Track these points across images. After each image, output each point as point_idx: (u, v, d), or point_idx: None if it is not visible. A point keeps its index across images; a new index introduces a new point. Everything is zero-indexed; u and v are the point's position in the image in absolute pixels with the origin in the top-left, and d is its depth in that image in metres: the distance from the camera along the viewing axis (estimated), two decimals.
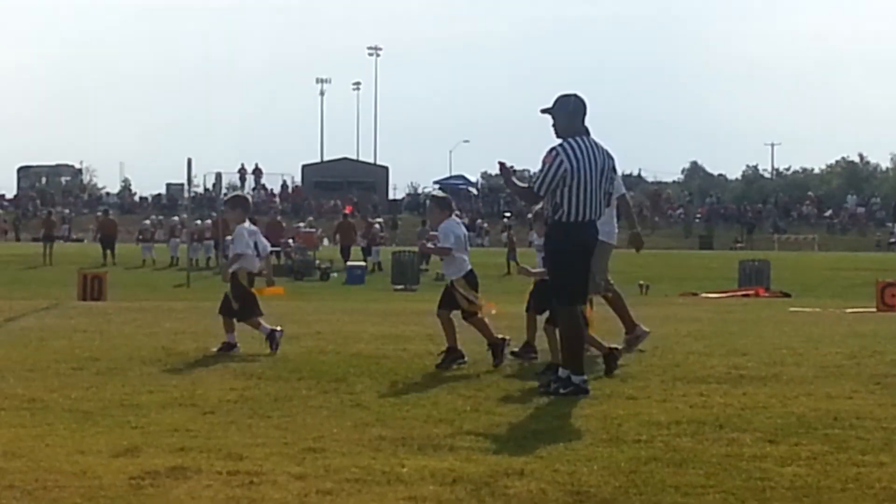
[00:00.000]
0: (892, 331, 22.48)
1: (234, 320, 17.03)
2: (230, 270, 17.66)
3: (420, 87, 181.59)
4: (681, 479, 9.39)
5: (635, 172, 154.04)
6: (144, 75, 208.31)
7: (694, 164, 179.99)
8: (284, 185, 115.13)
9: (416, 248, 57.17)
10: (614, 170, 14.08)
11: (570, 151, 13.49)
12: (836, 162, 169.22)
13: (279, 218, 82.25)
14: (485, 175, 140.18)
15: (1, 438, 10.55)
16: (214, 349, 16.66)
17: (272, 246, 57.97)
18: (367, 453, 10.21)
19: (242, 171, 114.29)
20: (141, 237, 73.32)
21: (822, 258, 79.16)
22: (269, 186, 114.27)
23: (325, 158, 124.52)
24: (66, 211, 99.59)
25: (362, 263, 59.49)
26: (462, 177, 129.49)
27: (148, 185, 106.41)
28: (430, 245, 17.37)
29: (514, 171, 16.56)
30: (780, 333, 20.48)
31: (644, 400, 13.02)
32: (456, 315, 15.75)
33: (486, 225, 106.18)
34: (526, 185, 14.55)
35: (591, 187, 13.52)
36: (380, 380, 14.33)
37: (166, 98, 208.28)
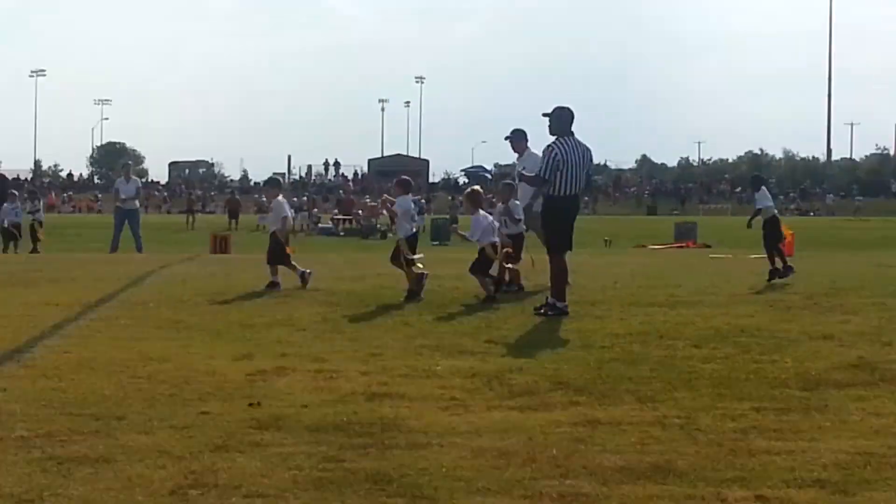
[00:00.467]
0: (803, 265, 22.49)
1: (277, 266, 16.78)
2: (273, 230, 17.37)
3: (451, 103, 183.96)
4: (633, 373, 9.56)
5: (602, 162, 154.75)
6: (260, 93, 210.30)
7: (644, 155, 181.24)
8: (356, 174, 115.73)
9: (447, 216, 57.16)
10: (591, 160, 14.10)
11: (560, 146, 13.55)
12: (745, 153, 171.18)
13: (351, 196, 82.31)
14: (497, 165, 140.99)
15: (157, 348, 10.73)
16: (264, 287, 16.48)
17: (345, 216, 58.51)
18: (412, 357, 10.39)
19: (326, 164, 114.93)
20: (257, 209, 73.56)
21: (733, 221, 79.09)
22: (345, 174, 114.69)
23: (385, 154, 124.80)
24: (200, 192, 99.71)
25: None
26: (481, 166, 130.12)
27: (260, 174, 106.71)
28: (460, 233, 17.62)
29: (492, 171, 16.13)
30: (703, 273, 20.55)
31: (608, 318, 13.11)
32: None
33: (495, 199, 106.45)
34: (533, 174, 14.49)
35: (575, 172, 13.56)
36: (423, 307, 14.39)
37: (273, 110, 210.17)
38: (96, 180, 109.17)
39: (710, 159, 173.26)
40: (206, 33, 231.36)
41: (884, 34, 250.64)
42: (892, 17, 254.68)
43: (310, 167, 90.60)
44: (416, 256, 15.79)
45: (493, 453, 6.63)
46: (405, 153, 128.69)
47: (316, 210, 67.15)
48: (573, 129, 13.88)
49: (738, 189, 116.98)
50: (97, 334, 11.81)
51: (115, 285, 16.93)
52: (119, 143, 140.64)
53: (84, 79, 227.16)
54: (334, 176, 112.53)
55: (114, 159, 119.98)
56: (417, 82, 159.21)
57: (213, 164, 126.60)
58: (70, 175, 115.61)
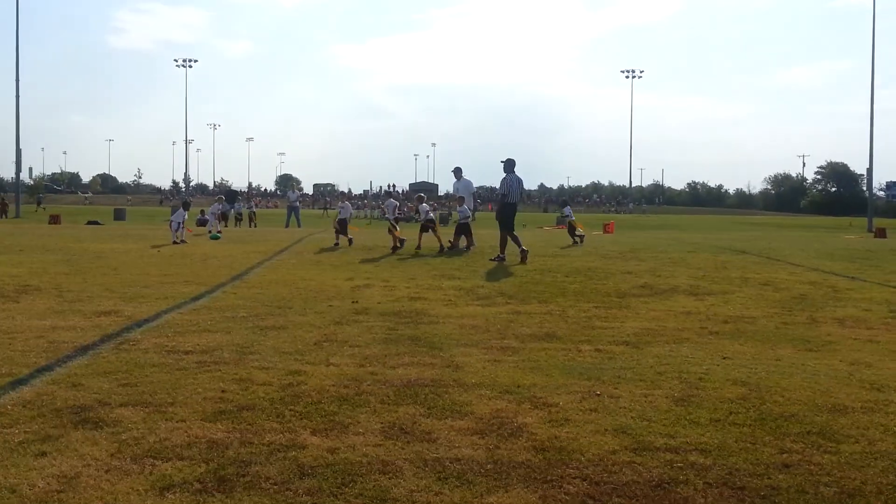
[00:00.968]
0: (618, 238, 22.29)
1: (341, 235, 16.56)
2: (343, 217, 17.12)
3: (450, 155, 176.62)
4: (537, 288, 9.60)
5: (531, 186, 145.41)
6: (356, 151, 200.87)
7: (541, 183, 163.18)
8: (402, 190, 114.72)
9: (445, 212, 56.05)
10: (521, 185, 13.98)
11: (508, 179, 13.68)
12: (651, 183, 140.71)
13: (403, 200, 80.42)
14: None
15: (307, 274, 10.89)
16: (334, 244, 16.19)
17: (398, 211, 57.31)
18: (431, 280, 10.52)
19: (390, 185, 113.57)
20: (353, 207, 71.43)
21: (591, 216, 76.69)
22: (397, 190, 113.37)
23: (416, 180, 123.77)
24: (329, 199, 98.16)
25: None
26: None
27: (356, 188, 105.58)
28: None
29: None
30: (569, 239, 20.09)
31: (543, 261, 13.11)
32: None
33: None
34: (499, 192, 14.23)
35: (515, 189, 13.73)
36: (445, 259, 14.19)
37: (362, 158, 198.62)
38: (277, 192, 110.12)
39: (575, 185, 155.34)
40: (321, 122, 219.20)
41: None
42: None
43: (380, 187, 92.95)
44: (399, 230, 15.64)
45: (468, 327, 6.94)
46: (427, 180, 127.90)
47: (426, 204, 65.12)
48: (515, 168, 13.98)
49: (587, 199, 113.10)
50: (278, 267, 12.00)
51: (286, 243, 16.99)
52: (288, 173, 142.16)
53: (272, 137, 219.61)
54: (393, 190, 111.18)
55: (286, 181, 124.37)
56: (432, 145, 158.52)
57: (334, 186, 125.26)
58: (266, 189, 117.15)
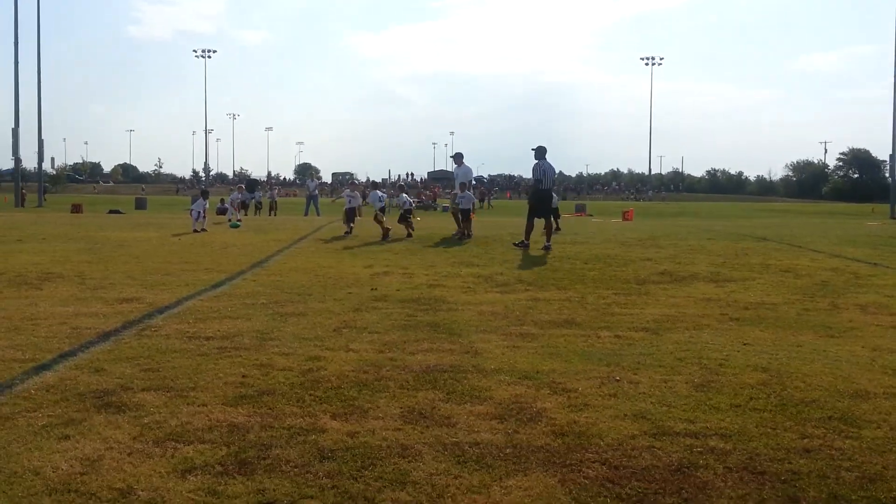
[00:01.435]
0: (637, 225, 22.16)
1: (349, 223, 16.41)
2: (352, 206, 17.08)
3: (466, 143, 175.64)
4: (555, 275, 9.55)
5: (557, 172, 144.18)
6: (374, 140, 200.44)
7: (560, 172, 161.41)
8: (421, 178, 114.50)
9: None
10: (554, 171, 13.65)
11: (541, 165, 13.32)
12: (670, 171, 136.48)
13: (420, 189, 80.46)
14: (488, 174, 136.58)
15: (327, 262, 10.86)
16: (345, 233, 16.05)
17: (419, 198, 57.27)
18: (449, 267, 10.49)
19: (408, 173, 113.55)
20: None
21: (605, 204, 76.27)
22: (415, 178, 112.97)
23: (435, 168, 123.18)
24: (348, 188, 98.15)
25: (446, 204, 57.98)
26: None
27: (374, 176, 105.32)
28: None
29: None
30: (587, 228, 19.98)
31: (562, 248, 12.91)
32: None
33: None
34: (533, 178, 13.79)
35: (549, 176, 13.42)
36: (464, 247, 14.20)
37: (379, 147, 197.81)
38: (296, 181, 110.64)
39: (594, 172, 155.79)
40: (339, 111, 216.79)
41: None
42: None
43: (399, 175, 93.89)
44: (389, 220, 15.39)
45: (487, 313, 6.92)
46: (445, 168, 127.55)
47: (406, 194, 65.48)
48: (547, 155, 13.58)
49: (605, 187, 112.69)
50: (298, 255, 11.99)
51: (306, 231, 16.93)
52: (307, 162, 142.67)
53: (290, 126, 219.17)
54: (412, 178, 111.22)
55: (304, 170, 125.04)
56: (450, 134, 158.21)
57: (354, 174, 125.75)
58: (284, 178, 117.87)
